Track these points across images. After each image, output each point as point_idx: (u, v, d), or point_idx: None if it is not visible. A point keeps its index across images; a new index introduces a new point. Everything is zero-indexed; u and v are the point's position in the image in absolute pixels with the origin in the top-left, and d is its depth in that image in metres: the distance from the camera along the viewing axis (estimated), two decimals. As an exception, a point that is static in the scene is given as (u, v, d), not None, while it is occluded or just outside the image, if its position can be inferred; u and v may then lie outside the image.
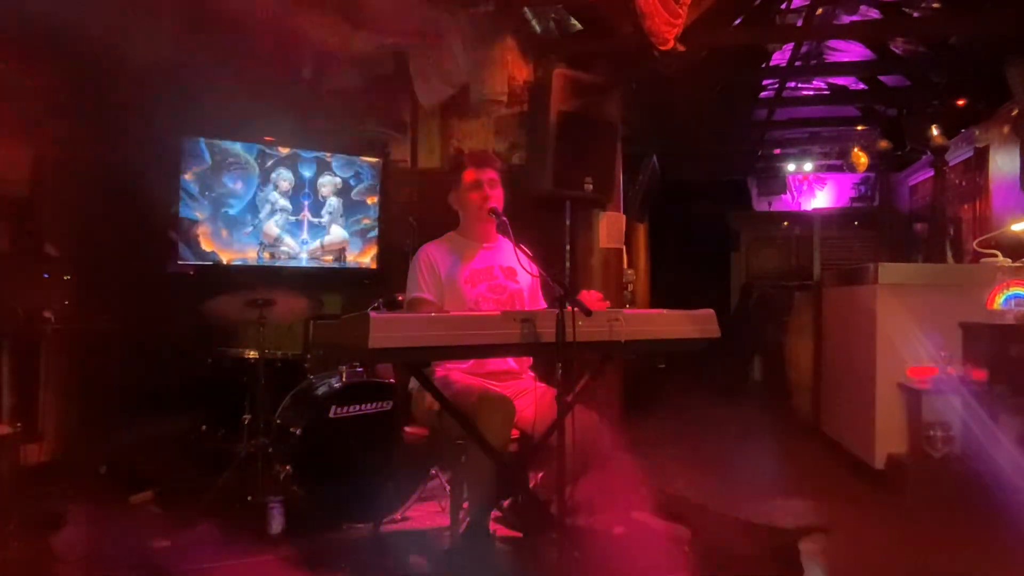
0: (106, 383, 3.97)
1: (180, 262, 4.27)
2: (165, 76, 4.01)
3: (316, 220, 4.72)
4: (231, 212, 4.45)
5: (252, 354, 3.76)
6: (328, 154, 4.72)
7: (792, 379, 6.26)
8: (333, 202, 4.76)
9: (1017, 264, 4.01)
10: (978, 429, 3.60)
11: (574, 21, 4.58)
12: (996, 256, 4.15)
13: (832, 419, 5.24)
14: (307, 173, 4.67)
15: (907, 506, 3.76)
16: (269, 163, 4.54)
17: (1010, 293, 3.84)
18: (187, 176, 4.30)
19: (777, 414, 6.43)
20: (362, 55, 4.11)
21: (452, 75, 4.18)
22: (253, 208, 4.51)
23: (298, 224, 4.66)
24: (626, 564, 2.82)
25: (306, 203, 4.67)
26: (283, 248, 4.59)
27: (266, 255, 4.46)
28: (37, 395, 3.68)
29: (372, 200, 4.90)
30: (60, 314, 3.48)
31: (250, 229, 4.49)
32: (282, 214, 4.59)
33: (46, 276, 3.59)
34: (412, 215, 4.67)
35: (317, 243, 4.73)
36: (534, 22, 4.50)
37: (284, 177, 4.57)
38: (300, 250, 4.66)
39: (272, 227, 4.56)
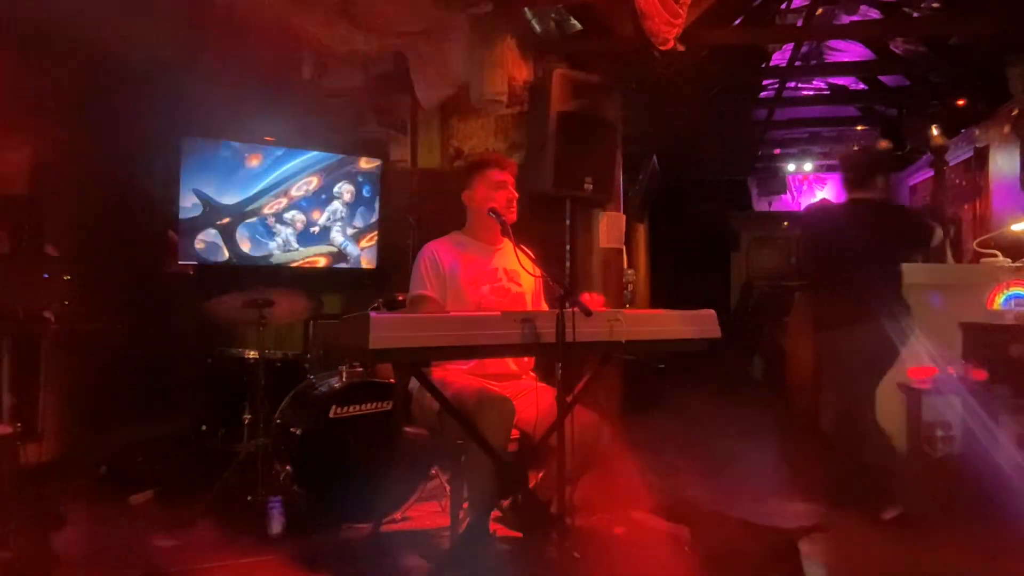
0: (106, 383, 3.96)
1: (182, 262, 4.26)
2: (164, 76, 4.01)
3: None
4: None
5: (252, 354, 3.76)
6: (337, 155, 4.75)
7: (792, 379, 6.25)
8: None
9: (1017, 264, 4.01)
10: (978, 429, 3.60)
11: (574, 21, 4.58)
12: (996, 256, 4.14)
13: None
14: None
15: (907, 506, 3.75)
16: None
17: (1010, 293, 3.84)
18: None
19: (777, 414, 6.43)
20: (362, 55, 4.11)
21: (452, 75, 4.17)
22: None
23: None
24: (626, 564, 2.83)
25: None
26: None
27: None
28: (37, 395, 3.68)
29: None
30: (60, 314, 3.47)
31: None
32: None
33: (46, 276, 3.58)
34: (412, 215, 4.68)
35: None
36: (534, 22, 4.49)
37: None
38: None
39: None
